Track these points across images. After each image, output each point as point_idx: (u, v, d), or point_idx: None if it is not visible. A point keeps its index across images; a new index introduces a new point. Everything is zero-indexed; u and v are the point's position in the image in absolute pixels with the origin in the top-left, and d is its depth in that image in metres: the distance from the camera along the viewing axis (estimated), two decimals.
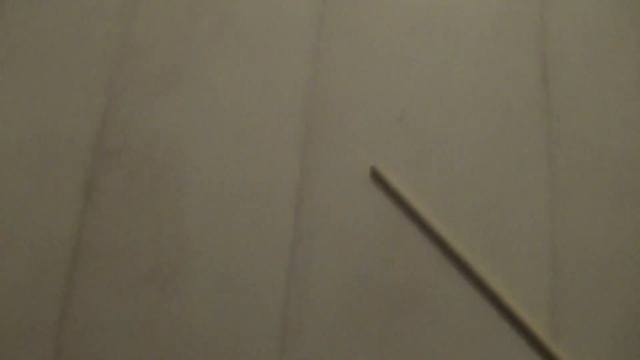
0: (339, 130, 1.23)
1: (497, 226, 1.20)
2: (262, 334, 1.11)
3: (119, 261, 1.14)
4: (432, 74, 1.29)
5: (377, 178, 1.20)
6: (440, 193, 1.21)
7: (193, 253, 1.15)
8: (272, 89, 1.26)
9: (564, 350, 1.13)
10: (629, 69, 1.31)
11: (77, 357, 1.09)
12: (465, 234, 1.19)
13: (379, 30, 1.32)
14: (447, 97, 1.27)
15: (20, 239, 1.14)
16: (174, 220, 1.17)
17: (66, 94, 1.24)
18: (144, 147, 1.21)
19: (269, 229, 1.17)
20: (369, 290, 1.15)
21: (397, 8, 1.34)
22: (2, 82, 1.24)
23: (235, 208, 1.18)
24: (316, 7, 1.32)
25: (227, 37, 1.30)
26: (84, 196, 1.18)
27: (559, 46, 1.31)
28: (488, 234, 1.19)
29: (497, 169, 1.23)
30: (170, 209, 1.17)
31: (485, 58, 1.30)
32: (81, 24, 1.29)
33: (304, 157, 1.21)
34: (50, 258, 1.13)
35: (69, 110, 1.23)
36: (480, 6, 1.35)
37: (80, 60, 1.26)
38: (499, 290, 1.15)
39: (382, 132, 1.24)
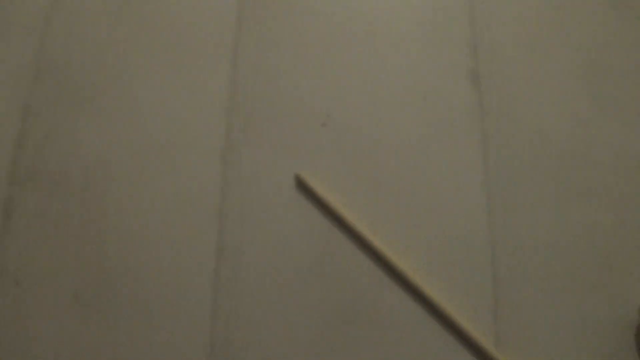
0: (262, 138, 1.17)
1: (433, 231, 1.13)
2: (189, 356, 1.05)
3: (40, 287, 1.08)
4: (358, 74, 1.22)
5: (302, 187, 1.13)
6: (371, 199, 1.14)
7: (116, 275, 1.09)
8: (192, 98, 1.19)
9: (509, 357, 1.06)
10: (564, 60, 1.24)
11: None
12: (399, 241, 1.12)
13: (300, 32, 1.25)
14: (374, 97, 1.20)
15: None
16: (95, 241, 1.11)
17: None
18: (62, 168, 1.15)
19: (193, 246, 1.11)
20: (302, 306, 1.08)
21: (318, 7, 1.27)
22: None
23: (158, 226, 1.12)
24: (233, 12, 1.26)
25: (144, 48, 1.23)
26: (1, 220, 1.11)
27: (489, 39, 1.25)
28: (423, 240, 1.12)
29: (429, 170, 1.16)
30: (91, 230, 1.11)
31: (413, 55, 1.24)
32: None
33: (226, 168, 1.15)
34: None
35: None
36: (407, 2, 1.28)
37: None
38: (439, 300, 1.08)
39: (307, 138, 1.17)
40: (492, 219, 1.13)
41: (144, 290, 1.09)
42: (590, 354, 1.08)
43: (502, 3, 1.29)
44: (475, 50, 1.24)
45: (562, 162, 1.17)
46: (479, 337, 1.07)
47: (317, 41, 1.24)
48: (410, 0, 1.28)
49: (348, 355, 1.06)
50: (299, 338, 1.07)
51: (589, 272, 1.12)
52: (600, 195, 1.16)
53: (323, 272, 1.10)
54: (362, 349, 1.07)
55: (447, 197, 1.14)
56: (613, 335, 1.09)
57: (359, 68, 1.22)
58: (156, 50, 1.23)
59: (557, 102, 1.22)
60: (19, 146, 1.16)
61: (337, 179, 1.14)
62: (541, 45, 1.26)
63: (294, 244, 1.11)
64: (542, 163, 1.17)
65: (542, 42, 1.26)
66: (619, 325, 1.09)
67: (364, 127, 1.18)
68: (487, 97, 1.20)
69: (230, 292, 1.09)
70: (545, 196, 1.15)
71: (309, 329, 1.07)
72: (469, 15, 1.26)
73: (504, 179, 1.16)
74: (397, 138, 1.17)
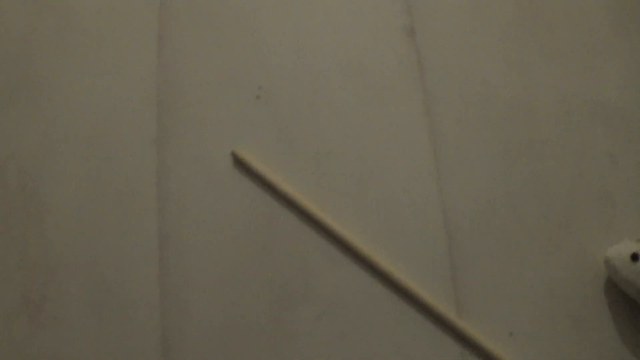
0: (195, 118, 1.09)
1: (381, 199, 1.06)
2: (143, 350, 0.99)
3: None
4: (289, 43, 1.14)
5: (240, 163, 1.06)
6: (313, 171, 1.07)
7: (61, 276, 1.01)
8: (121, 84, 1.11)
9: (471, 324, 1.00)
10: (502, 10, 1.17)
11: None
12: (347, 213, 1.05)
13: (225, 7, 1.17)
14: (308, 65, 1.13)
15: None
16: (37, 243, 1.03)
17: None
18: None
19: (135, 236, 1.03)
20: (250, 286, 1.01)
21: None
22: None
23: (98, 219, 1.04)
24: None
25: (69, 38, 1.14)
26: None
27: None
28: (372, 210, 1.05)
29: (372, 136, 1.09)
30: (32, 232, 1.03)
31: (344, 18, 1.16)
32: None
33: (160, 151, 1.07)
34: None
35: None
36: None
37: None
38: (394, 270, 1.01)
39: (241, 113, 1.09)
40: (442, 180, 1.07)
41: (91, 285, 1.01)
42: (557, 312, 1.02)
43: None
44: (408, 6, 1.17)
45: (507, 113, 1.11)
46: (439, 306, 1.00)
47: (242, 14, 1.16)
48: None
49: (302, 334, 0.99)
50: (250, 320, 1.00)
51: (547, 227, 1.05)
52: (550, 144, 1.10)
53: (269, 251, 1.02)
54: (316, 327, 1.00)
55: (393, 161, 1.08)
56: (580, 292, 1.03)
57: (289, 36, 1.15)
58: (81, 41, 1.14)
59: (495, 50, 1.15)
60: None
61: (276, 152, 1.07)
62: None
63: (237, 223, 1.04)
64: (487, 115, 1.11)
65: None
66: (585, 280, 1.03)
67: (299, 96, 1.11)
68: (424, 53, 1.14)
69: (176, 278, 1.01)
70: (494, 151, 1.09)
71: (259, 310, 1.00)
72: None
73: (450, 136, 1.09)
74: (335, 105, 1.10)
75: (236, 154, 1.05)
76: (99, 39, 1.14)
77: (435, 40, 1.14)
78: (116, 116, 1.09)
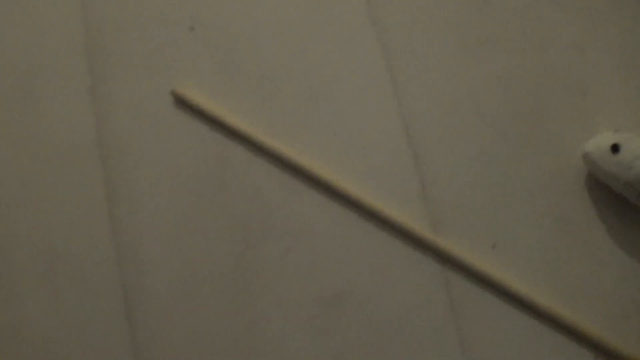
0: (128, 59, 0.98)
1: (337, 121, 0.96)
2: (105, 313, 0.91)
3: None
4: None
5: (181, 102, 0.96)
6: (261, 101, 0.97)
7: (7, 245, 0.93)
8: (43, 32, 1.01)
9: (451, 240, 0.91)
10: None
11: None
12: (303, 140, 0.95)
13: None
14: None
15: None
16: None
17: None
18: None
19: (79, 193, 0.94)
20: (209, 229, 0.93)
21: None
22: None
23: (38, 181, 0.95)
24: None
25: None
26: None
27: None
28: (329, 133, 0.96)
29: (317, 51, 0.99)
30: None
31: None
32: None
33: (96, 103, 0.97)
34: None
35: None
36: None
37: None
38: (359, 193, 0.92)
39: (176, 49, 0.99)
40: (398, 88, 0.97)
41: (40, 253, 0.93)
42: (539, 215, 0.93)
43: None
44: None
45: (460, 8, 1.00)
46: (413, 225, 0.92)
47: None
48: None
49: (270, 272, 0.91)
50: (213, 264, 0.92)
51: (517, 126, 0.96)
52: (509, 38, 0.99)
53: (226, 191, 0.93)
54: (284, 263, 0.91)
55: (343, 75, 0.97)
56: (561, 191, 0.94)
57: None
58: None
59: None
60: None
61: (218, 85, 0.97)
62: None
63: (187, 165, 0.95)
64: (438, 13, 1.00)
65: None
66: (564, 178, 0.94)
67: (237, 23, 1.00)
68: None
69: (130, 232, 0.93)
70: (450, 50, 0.99)
71: (222, 253, 0.92)
72: None
73: (401, 40, 0.99)
74: (275, 24, 1.00)
75: (176, 93, 0.95)
76: None
77: None
78: (43, 68, 0.99)
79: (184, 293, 0.90)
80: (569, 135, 0.96)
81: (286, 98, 0.96)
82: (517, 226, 0.93)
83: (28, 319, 0.91)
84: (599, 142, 0.91)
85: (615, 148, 0.89)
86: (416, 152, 0.94)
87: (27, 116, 0.97)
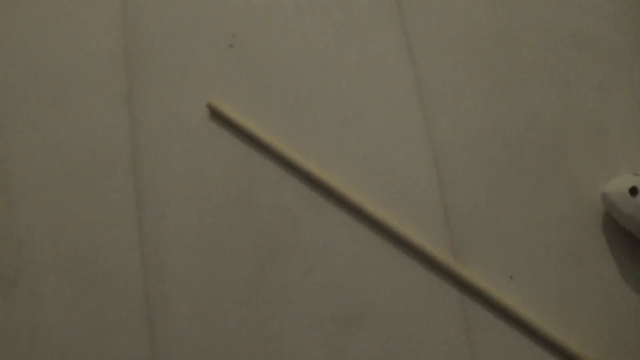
0: (166, 72, 1.00)
1: (366, 142, 0.98)
2: (126, 318, 0.91)
3: None
4: None
5: (217, 115, 0.97)
6: (294, 118, 0.99)
7: (33, 247, 0.93)
8: (84, 38, 1.02)
9: (470, 268, 0.92)
10: None
11: None
12: (332, 159, 0.97)
13: None
14: (281, 8, 1.04)
15: None
16: (5, 214, 0.94)
17: None
18: None
19: (109, 199, 0.95)
20: (234, 242, 0.94)
21: None
22: None
23: (69, 185, 0.96)
24: None
25: None
26: None
27: None
28: (357, 153, 0.97)
29: (352, 77, 1.01)
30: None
31: None
32: None
33: (132, 107, 0.98)
34: None
35: None
36: None
37: None
38: (384, 216, 0.94)
39: (214, 63, 1.01)
40: (428, 117, 0.99)
41: (66, 254, 0.93)
42: (557, 250, 0.94)
43: None
44: None
45: (491, 46, 1.03)
46: (435, 251, 0.93)
47: None
48: None
49: (291, 289, 0.92)
50: (236, 278, 0.92)
51: (540, 162, 0.98)
52: (536, 77, 1.02)
53: (252, 205, 0.94)
54: (305, 281, 0.92)
55: (376, 101, 0.99)
56: (578, 228, 0.96)
57: None
58: None
59: None
60: None
61: (253, 101, 0.99)
62: None
63: (217, 178, 0.96)
64: (470, 49, 1.03)
65: None
66: (582, 216, 0.96)
67: (274, 41, 1.02)
68: None
69: (157, 240, 0.93)
70: (480, 85, 1.01)
71: (245, 266, 0.92)
72: None
73: (434, 72, 1.01)
74: (312, 47, 1.02)
75: (212, 106, 0.97)
76: None
77: None
78: (81, 74, 1.00)
79: (205, 303, 0.91)
80: (589, 175, 0.98)
81: (319, 119, 0.98)
82: (534, 259, 0.94)
83: (48, 320, 0.91)
84: (618, 184, 0.93)
85: (634, 191, 0.91)
86: (442, 179, 0.96)
87: (61, 119, 0.98)
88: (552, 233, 0.95)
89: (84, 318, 0.91)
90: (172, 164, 0.96)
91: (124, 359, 0.89)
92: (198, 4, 1.03)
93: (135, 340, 0.90)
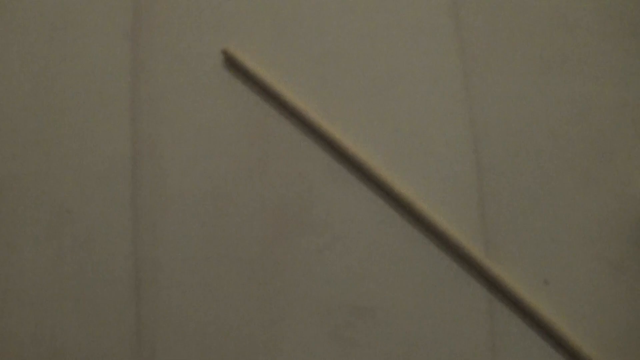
0: (177, 5, 0.87)
1: (399, 113, 0.86)
2: (110, 282, 0.80)
3: None
4: None
5: (232, 63, 0.85)
6: (318, 74, 0.86)
7: (9, 191, 0.82)
8: None
9: (501, 266, 0.81)
10: None
11: None
12: (359, 127, 0.85)
13: None
14: None
15: None
16: None
17: None
18: None
19: (102, 146, 0.84)
20: (239, 209, 0.82)
21: None
22: None
23: (56, 123, 0.84)
24: None
25: None
26: None
27: None
28: (388, 124, 0.86)
29: (389, 38, 0.89)
30: None
31: None
32: None
33: (135, 45, 0.85)
34: None
35: None
36: None
37: None
38: (413, 197, 0.82)
39: (234, 5, 0.88)
40: (471, 94, 0.87)
41: (48, 204, 0.82)
42: (592, 256, 0.84)
43: None
44: None
45: (543, 23, 0.91)
46: (465, 243, 0.81)
47: None
48: None
49: (301, 270, 0.80)
50: (237, 250, 0.81)
51: (588, 158, 0.87)
52: (591, 63, 0.91)
53: (264, 170, 0.82)
54: (318, 261, 0.80)
55: (415, 69, 0.88)
56: (620, 234, 0.85)
57: None
58: None
59: None
60: None
61: (275, 51, 0.87)
62: None
63: (226, 133, 0.84)
64: (521, 25, 0.91)
65: None
66: (626, 221, 0.85)
67: None
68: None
69: (152, 198, 0.82)
70: (528, 66, 0.90)
71: (250, 238, 0.81)
72: None
73: (480, 44, 0.89)
74: (348, 1, 0.90)
75: (228, 52, 0.85)
76: None
77: None
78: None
79: (200, 275, 0.79)
80: (638, 178, 0.87)
81: (348, 80, 0.86)
82: (571, 264, 0.84)
83: (23, 274, 0.79)
84: None
85: None
86: (480, 164, 0.84)
87: (52, 47, 0.85)
88: (593, 239, 0.85)
89: (63, 278, 0.79)
90: (176, 114, 0.84)
91: (105, 327, 0.77)
92: None
93: (120, 309, 0.79)
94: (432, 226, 0.81)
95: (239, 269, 0.79)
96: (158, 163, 0.82)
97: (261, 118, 0.84)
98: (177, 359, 0.78)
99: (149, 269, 0.79)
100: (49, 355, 0.77)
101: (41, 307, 0.78)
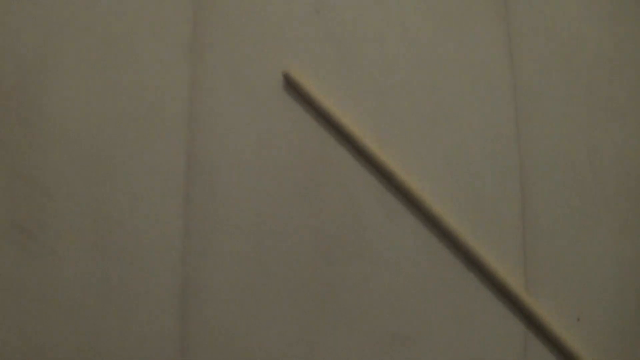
0: (240, 25, 0.87)
1: (451, 146, 0.87)
2: (156, 299, 0.79)
3: None
4: None
5: (292, 86, 0.85)
6: (376, 103, 0.87)
7: (60, 201, 0.80)
8: None
9: (539, 302, 0.83)
10: None
11: None
12: (410, 157, 0.86)
13: None
14: None
15: None
16: (32, 158, 0.81)
17: None
18: None
19: (155, 162, 0.83)
20: (290, 233, 0.82)
21: None
22: None
23: (111, 136, 0.83)
24: None
25: None
26: None
27: None
28: (439, 156, 0.87)
29: (446, 72, 0.90)
30: (27, 143, 0.81)
31: None
32: None
33: (194, 63, 0.85)
34: None
35: None
36: None
37: None
38: (460, 230, 0.84)
39: (296, 28, 0.88)
40: (521, 132, 0.89)
41: (97, 215, 0.80)
42: (627, 299, 0.86)
43: None
44: None
45: (594, 66, 0.93)
46: (507, 277, 0.83)
47: None
48: None
49: (348, 296, 0.81)
50: (286, 274, 0.81)
51: (625, 201, 0.89)
52: (634, 109, 0.93)
53: (317, 193, 0.83)
54: (365, 290, 0.81)
55: (469, 104, 0.89)
56: None
57: None
58: None
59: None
60: None
61: (335, 77, 0.87)
62: None
63: (281, 156, 0.84)
64: (572, 66, 0.93)
65: None
66: None
67: (367, 16, 0.90)
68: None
69: (204, 216, 0.82)
70: (577, 106, 0.92)
71: (299, 262, 0.82)
72: None
73: (533, 84, 0.91)
74: (407, 30, 0.90)
75: (289, 75, 0.85)
76: None
77: None
78: (138, 13, 0.87)
79: (246, 294, 0.80)
80: None
81: (404, 111, 0.87)
82: (604, 304, 0.86)
83: (64, 283, 0.79)
84: None
85: None
86: (526, 199, 0.86)
87: (110, 62, 0.85)
88: (628, 281, 0.86)
89: (108, 290, 0.79)
90: (232, 132, 0.84)
91: (149, 344, 0.78)
92: None
93: (165, 325, 0.79)
94: (476, 258, 0.83)
95: (285, 292, 0.80)
96: (211, 181, 0.82)
97: (317, 141, 0.85)
98: None
99: (196, 286, 0.80)
100: None
101: (84, 318, 0.78)
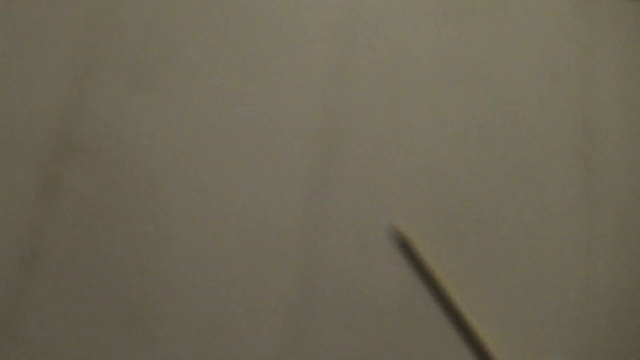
0: (358, 174, 0.96)
1: (530, 321, 0.95)
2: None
3: (75, 285, 0.85)
4: (459, 115, 1.03)
5: (400, 241, 0.93)
6: (473, 268, 0.95)
7: (171, 291, 0.87)
8: (286, 113, 0.97)
9: None
10: None
11: None
12: (495, 322, 0.94)
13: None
14: (479, 145, 1.02)
15: None
16: (151, 243, 0.88)
17: (27, 73, 0.91)
18: (116, 147, 0.91)
19: (266, 281, 0.90)
20: None
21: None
22: None
23: (221, 243, 0.90)
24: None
25: (219, 19, 1.00)
26: (40, 194, 0.87)
27: (599, 117, 1.08)
28: (521, 330, 0.95)
29: (536, 254, 0.98)
30: (146, 226, 0.89)
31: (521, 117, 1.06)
32: None
33: (313, 198, 0.94)
34: None
35: (30, 91, 0.91)
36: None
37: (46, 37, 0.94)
38: None
39: (408, 187, 0.97)
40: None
41: (206, 315, 0.87)
42: None
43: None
44: (585, 127, 1.07)
45: None
46: None
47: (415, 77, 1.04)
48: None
49: None
50: None
51: None
52: None
53: (405, 347, 0.91)
54: None
55: (550, 285, 0.97)
56: None
57: (461, 104, 1.04)
58: (241, 31, 1.00)
59: None
60: (65, 114, 0.90)
61: (439, 237, 0.96)
62: None
63: (379, 302, 0.91)
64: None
65: None
66: None
67: (471, 179, 1.00)
68: (598, 182, 1.04)
69: (305, 343, 0.88)
70: None
71: None
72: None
73: (608, 225, 1.00)
74: (509, 208, 1.00)
75: (399, 231, 0.93)
76: (253, 33, 1.01)
77: (610, 170, 1.05)
78: (269, 129, 0.96)
79: None
80: None
81: (501, 284, 0.95)
82: None
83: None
84: None
85: None
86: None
87: (230, 174, 0.93)
88: None
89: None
90: (339, 272, 0.92)
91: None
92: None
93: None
94: None
95: None
96: (315, 308, 0.90)
97: (414, 295, 0.92)
98: None
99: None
100: None
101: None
